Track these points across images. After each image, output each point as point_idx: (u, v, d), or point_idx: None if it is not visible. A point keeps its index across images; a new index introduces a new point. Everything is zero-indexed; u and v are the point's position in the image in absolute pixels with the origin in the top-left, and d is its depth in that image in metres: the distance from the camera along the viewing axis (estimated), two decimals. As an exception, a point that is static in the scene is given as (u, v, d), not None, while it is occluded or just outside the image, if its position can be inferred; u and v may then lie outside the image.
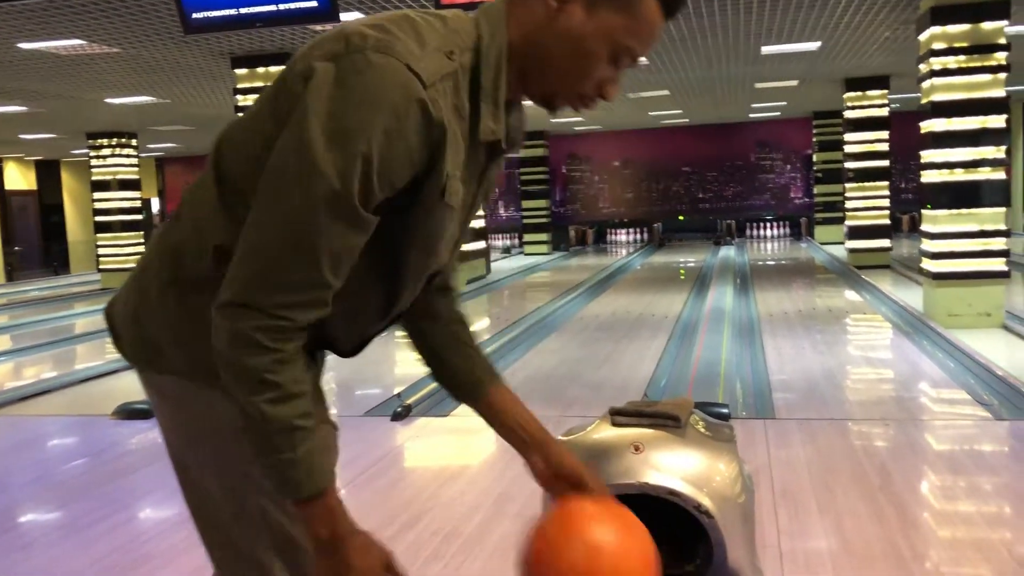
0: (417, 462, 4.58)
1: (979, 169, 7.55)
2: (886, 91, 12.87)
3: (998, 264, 7.53)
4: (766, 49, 9.88)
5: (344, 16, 6.96)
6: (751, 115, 18.73)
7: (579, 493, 1.41)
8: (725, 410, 4.69)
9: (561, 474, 1.44)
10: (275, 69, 8.90)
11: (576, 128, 19.89)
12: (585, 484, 1.41)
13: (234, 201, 1.24)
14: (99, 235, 15.94)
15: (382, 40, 1.16)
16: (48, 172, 22.38)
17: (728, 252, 16.62)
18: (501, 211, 22.41)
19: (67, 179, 22.29)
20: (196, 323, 1.25)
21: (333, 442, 1.40)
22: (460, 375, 1.52)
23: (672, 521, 1.53)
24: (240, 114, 1.47)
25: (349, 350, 1.42)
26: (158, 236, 1.37)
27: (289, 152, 1.15)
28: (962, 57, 7.44)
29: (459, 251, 1.52)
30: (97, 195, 15.85)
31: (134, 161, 16.10)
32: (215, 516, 1.35)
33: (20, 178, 21.78)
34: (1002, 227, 7.61)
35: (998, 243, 7.56)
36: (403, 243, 1.27)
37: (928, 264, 7.83)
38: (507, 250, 20.29)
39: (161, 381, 1.35)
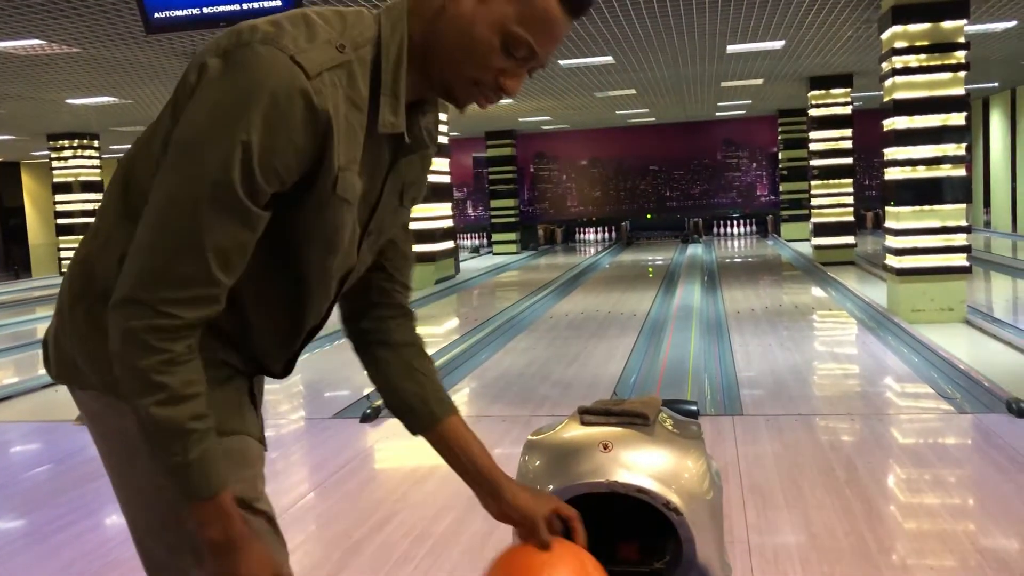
0: (387, 463, 4.56)
1: (940, 166, 7.66)
2: (849, 89, 13.04)
3: (960, 260, 7.65)
4: (731, 48, 9.96)
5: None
6: (717, 113, 18.87)
7: (533, 535, 1.39)
8: (694, 407, 4.68)
9: (513, 518, 1.43)
10: (240, 69, 8.81)
11: (544, 127, 19.93)
12: (538, 527, 1.39)
13: (138, 206, 1.22)
14: (61, 238, 15.71)
15: (269, 33, 1.17)
16: (8, 174, 22.02)
17: (695, 250, 16.73)
18: (469, 211, 22.39)
19: (28, 181, 21.93)
20: (101, 333, 1.23)
21: (255, 457, 1.35)
22: (412, 404, 1.49)
23: (641, 519, 1.54)
24: None
25: (280, 370, 1.40)
26: (76, 251, 1.35)
27: (175, 145, 1.17)
28: (923, 56, 7.54)
29: (404, 263, 1.50)
30: (59, 197, 15.62)
31: (96, 163, 15.89)
32: (140, 528, 1.33)
33: (-21, 180, 21.42)
34: (963, 223, 7.73)
35: (959, 239, 7.67)
36: (300, 241, 1.26)
37: (892, 260, 7.93)
38: (476, 249, 20.28)
39: (83, 397, 1.33)
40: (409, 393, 1.49)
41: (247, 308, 1.29)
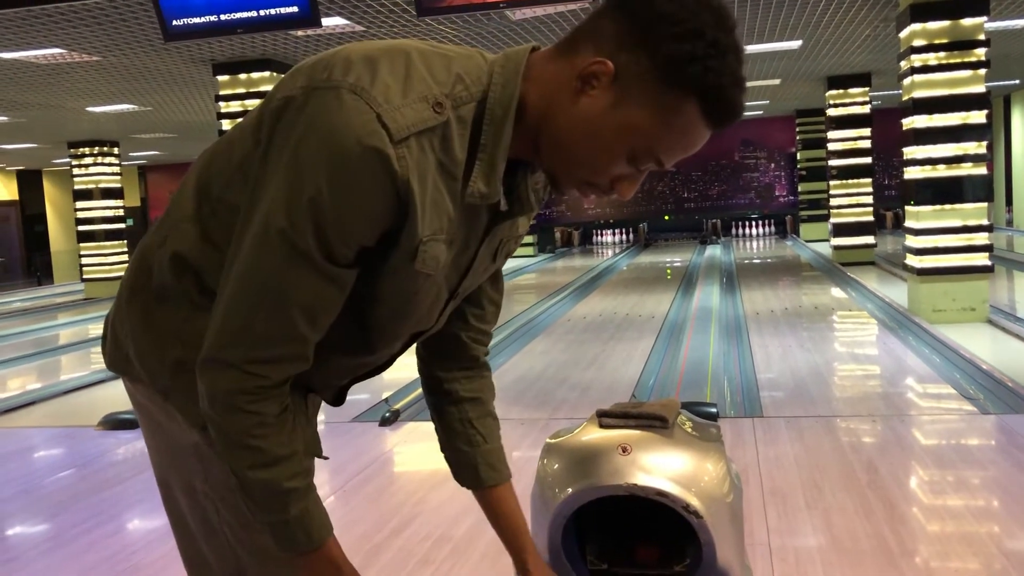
0: (406, 467, 4.57)
1: (961, 165, 7.60)
2: (868, 88, 12.95)
3: (981, 259, 7.58)
4: (748, 48, 9.92)
5: (326, 21, 6.95)
6: (734, 114, 18.78)
7: None
8: (713, 409, 4.70)
9: None
10: (257, 75, 8.87)
11: (560, 130, 19.89)
12: None
13: (209, 212, 1.20)
14: (82, 244, 15.84)
15: (361, 79, 1.07)
16: (30, 182, 22.25)
17: (714, 251, 16.67)
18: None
19: (49, 189, 22.16)
20: (153, 334, 1.23)
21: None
22: (462, 462, 1.51)
23: (660, 522, 1.53)
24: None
25: (330, 399, 1.40)
26: (141, 240, 1.35)
27: (253, 192, 1.12)
28: (942, 54, 7.49)
29: (491, 309, 1.47)
30: (80, 204, 15.76)
31: (116, 169, 16.02)
32: (186, 531, 1.33)
33: (2, 188, 21.66)
34: (985, 222, 7.66)
35: (981, 238, 7.61)
36: (372, 298, 1.20)
37: (912, 260, 7.87)
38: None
39: (132, 389, 1.33)
40: (461, 452, 1.50)
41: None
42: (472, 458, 1.49)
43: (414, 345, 1.45)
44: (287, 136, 1.08)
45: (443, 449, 1.53)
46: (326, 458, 1.42)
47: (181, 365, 1.19)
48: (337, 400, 1.41)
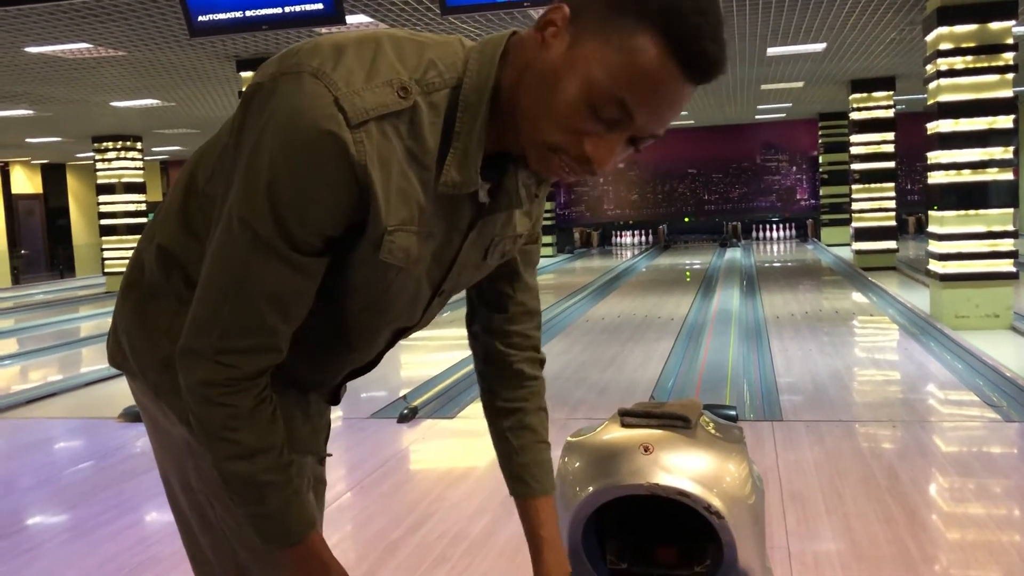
0: (423, 464, 4.57)
1: (987, 170, 7.52)
2: (892, 92, 12.85)
3: (1006, 265, 7.50)
4: (772, 51, 9.87)
5: (350, 19, 6.97)
6: (757, 116, 18.71)
7: None
8: (733, 412, 4.67)
9: None
10: (280, 72, 8.89)
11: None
12: None
13: (196, 207, 1.20)
14: (104, 238, 15.98)
15: (324, 64, 1.04)
16: (54, 176, 22.46)
17: (734, 254, 16.59)
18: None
19: (73, 182, 22.35)
20: (145, 330, 1.24)
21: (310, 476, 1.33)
22: (503, 468, 1.49)
23: (682, 522, 1.52)
24: None
25: (325, 399, 1.38)
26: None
27: (226, 183, 1.11)
28: (969, 58, 7.42)
29: (529, 319, 1.46)
30: (102, 198, 15.89)
31: (139, 164, 16.15)
32: (188, 528, 1.33)
33: (26, 182, 21.86)
34: (1010, 228, 7.58)
35: (1006, 244, 7.53)
36: (344, 290, 1.17)
37: (935, 265, 7.80)
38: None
39: (134, 386, 1.33)
40: (503, 460, 1.49)
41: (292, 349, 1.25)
42: (508, 469, 1.48)
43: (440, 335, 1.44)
44: (255, 123, 1.07)
45: (500, 459, 1.52)
46: (329, 455, 1.43)
47: (169, 361, 1.18)
48: (332, 400, 1.40)
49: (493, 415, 1.48)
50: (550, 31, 1.04)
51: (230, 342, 1.09)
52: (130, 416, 5.23)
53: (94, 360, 8.33)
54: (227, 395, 1.10)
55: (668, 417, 1.54)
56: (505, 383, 1.47)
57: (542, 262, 17.14)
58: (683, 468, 1.46)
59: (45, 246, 22.52)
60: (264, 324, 1.10)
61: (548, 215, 19.25)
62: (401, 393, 5.65)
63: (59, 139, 16.25)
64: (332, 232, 1.08)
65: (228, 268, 1.08)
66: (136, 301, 1.26)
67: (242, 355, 1.10)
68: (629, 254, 18.72)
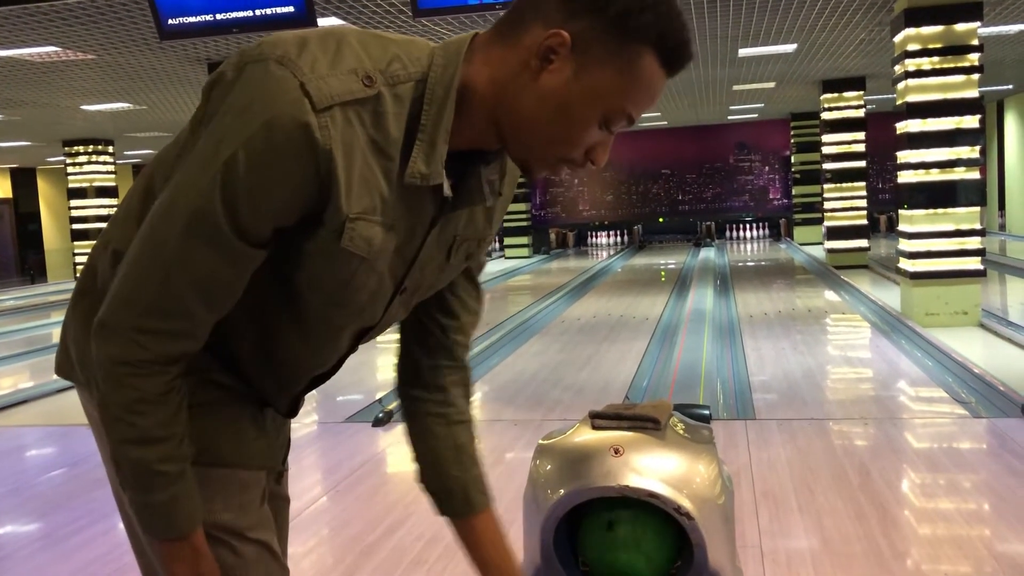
0: (399, 467, 4.57)
1: (954, 169, 7.62)
2: (862, 92, 12.99)
3: (974, 263, 7.61)
4: (743, 52, 9.94)
5: (321, 21, 6.95)
6: (729, 117, 18.84)
7: None
8: (706, 411, 4.69)
9: None
10: (253, 75, 8.85)
11: (555, 131, 19.91)
12: None
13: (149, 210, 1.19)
14: (76, 243, 15.81)
15: (289, 52, 1.05)
16: (24, 180, 22.18)
17: (708, 254, 16.69)
18: (481, 215, 22.41)
19: (43, 187, 22.09)
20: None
21: (251, 483, 1.27)
22: (452, 488, 1.43)
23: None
24: None
25: (284, 410, 1.35)
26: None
27: (178, 167, 1.11)
28: (936, 58, 7.51)
29: (469, 319, 1.41)
30: (74, 203, 15.73)
31: (111, 168, 15.99)
32: (129, 530, 1.33)
33: (-5, 186, 21.59)
34: (977, 226, 7.69)
35: (974, 242, 7.63)
36: (304, 284, 1.16)
37: (905, 264, 7.90)
38: (488, 253, 20.27)
39: (83, 396, 1.32)
40: (452, 478, 1.42)
41: (244, 344, 1.23)
42: (463, 484, 1.42)
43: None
44: (215, 109, 1.08)
45: (427, 478, 1.45)
46: (285, 469, 1.41)
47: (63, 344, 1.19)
48: (291, 411, 1.37)
49: (447, 427, 1.44)
50: (551, 58, 1.08)
51: (150, 322, 1.08)
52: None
53: (66, 366, 8.24)
54: (137, 377, 1.08)
55: (638, 419, 1.56)
56: (442, 395, 1.44)
57: (519, 263, 17.17)
58: (653, 470, 1.48)
59: (15, 251, 22.24)
60: (187, 309, 1.09)
61: (523, 216, 19.29)
62: (376, 396, 5.64)
63: (29, 143, 16.06)
64: (283, 222, 1.08)
65: (161, 247, 1.07)
66: (87, 309, 1.22)
67: (159, 337, 1.08)
68: (604, 254, 18.78)
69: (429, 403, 1.43)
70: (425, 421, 1.43)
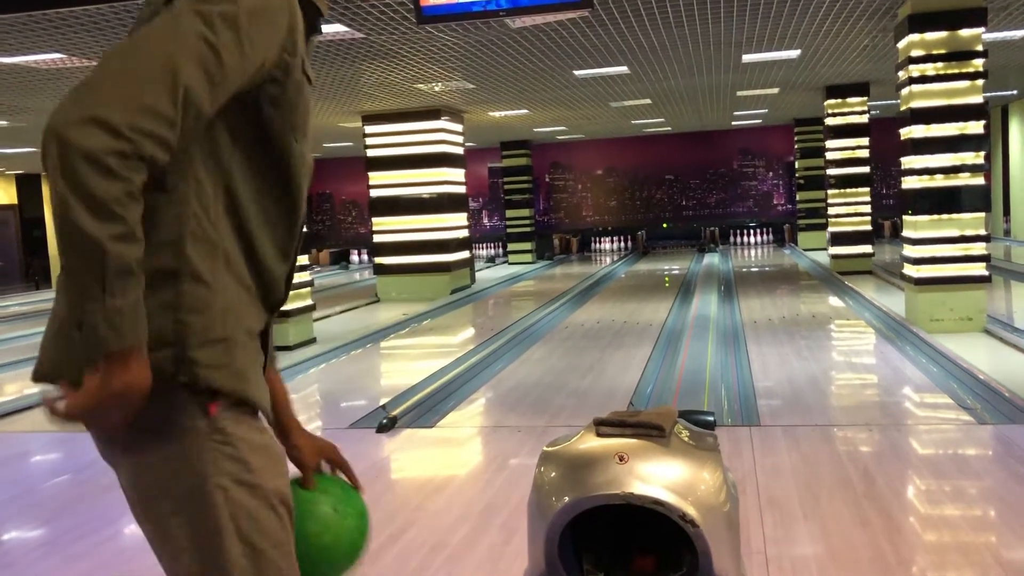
0: (403, 474, 4.57)
1: (959, 175, 7.61)
2: (866, 98, 12.98)
3: (979, 269, 7.59)
4: (747, 57, 9.94)
5: (326, 28, 6.96)
6: (733, 123, 18.84)
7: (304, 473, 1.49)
8: (711, 418, 4.69)
9: (292, 457, 1.48)
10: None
11: (559, 137, 19.94)
12: (306, 470, 1.49)
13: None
14: (81, 249, 15.81)
15: None
16: (29, 186, 22.24)
17: (712, 259, 16.68)
18: (485, 221, 22.42)
19: (48, 193, 22.13)
20: (52, 324, 1.35)
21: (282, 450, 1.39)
22: None
23: (658, 531, 1.53)
24: None
25: (284, 293, 1.41)
26: None
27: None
28: (940, 64, 7.50)
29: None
30: (78, 209, 15.72)
31: (116, 174, 16.00)
32: (163, 538, 1.32)
33: (1, 193, 21.63)
34: (982, 232, 7.67)
35: (978, 248, 7.62)
36: (285, 131, 1.33)
37: (910, 269, 7.88)
38: (491, 259, 20.29)
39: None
40: None
41: (252, 224, 1.32)
42: None
43: None
44: None
45: None
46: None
47: (60, 331, 1.25)
48: (286, 292, 1.44)
49: None
50: None
51: (144, 122, 1.12)
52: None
53: (70, 372, 8.25)
54: (129, 169, 1.11)
55: (643, 426, 1.56)
56: None
57: (522, 269, 17.17)
58: (658, 477, 1.48)
59: (20, 257, 22.28)
60: (171, 113, 1.15)
61: (527, 222, 19.30)
62: (380, 403, 5.64)
63: (34, 149, 16.10)
64: (270, 62, 1.27)
65: (166, 50, 1.16)
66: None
67: (147, 138, 1.13)
68: (608, 260, 18.77)
69: None
70: None
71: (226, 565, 1.23)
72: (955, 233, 7.63)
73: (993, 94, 15.05)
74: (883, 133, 15.42)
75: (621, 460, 1.49)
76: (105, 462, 1.38)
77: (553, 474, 1.57)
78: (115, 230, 1.10)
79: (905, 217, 8.15)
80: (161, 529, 1.28)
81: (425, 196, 12.79)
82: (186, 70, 1.16)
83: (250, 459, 1.25)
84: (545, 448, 1.65)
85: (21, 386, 7.65)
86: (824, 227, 14.51)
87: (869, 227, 13.10)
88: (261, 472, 1.25)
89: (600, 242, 21.44)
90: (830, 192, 13.29)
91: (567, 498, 1.51)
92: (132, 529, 3.73)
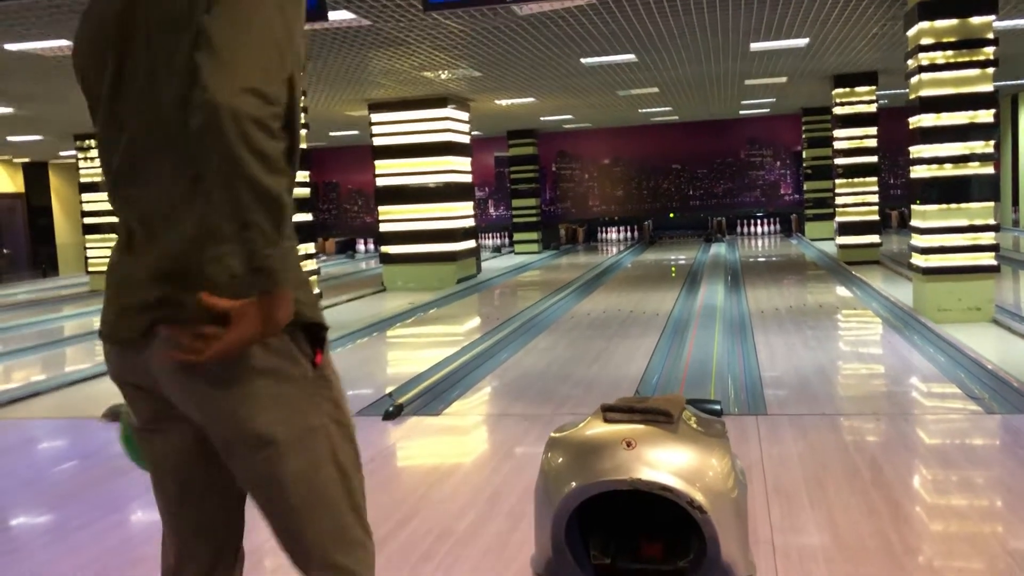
0: (409, 461, 4.57)
1: (968, 164, 7.57)
2: (874, 87, 12.91)
3: (987, 259, 7.56)
4: (755, 46, 9.89)
5: (333, 15, 6.94)
6: (741, 112, 18.76)
7: None
8: (717, 406, 4.66)
9: None
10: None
11: (566, 126, 19.89)
12: None
13: None
14: (88, 237, 15.86)
15: None
16: (36, 174, 22.25)
17: (719, 249, 16.64)
18: (491, 210, 22.39)
19: (55, 181, 22.16)
20: None
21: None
22: None
23: (665, 516, 1.52)
24: None
25: None
26: None
27: None
28: (950, 52, 7.45)
29: None
30: (86, 197, 15.76)
31: (122, 162, 16.01)
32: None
33: (8, 181, 21.66)
34: (991, 222, 7.63)
35: (987, 238, 7.58)
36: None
37: (918, 259, 7.85)
38: (497, 249, 20.28)
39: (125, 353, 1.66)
40: None
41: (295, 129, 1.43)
42: None
43: None
44: None
45: None
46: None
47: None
48: None
49: None
50: None
51: (279, 91, 1.28)
52: (112, 415, 5.20)
53: (77, 360, 8.27)
54: (281, 131, 1.27)
55: (651, 412, 1.55)
56: None
57: (528, 258, 17.15)
58: (665, 463, 1.47)
59: (27, 245, 22.33)
60: (283, 89, 1.31)
61: (533, 211, 19.27)
62: (386, 390, 5.65)
63: (41, 137, 16.12)
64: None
65: (279, 29, 1.30)
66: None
67: (281, 105, 1.29)
68: (615, 250, 18.74)
69: None
70: None
71: (324, 487, 1.50)
72: (964, 223, 7.59)
73: (1003, 83, 14.95)
74: (891, 123, 15.34)
75: (629, 446, 1.49)
76: (141, 389, 1.62)
77: (560, 460, 1.56)
78: (284, 183, 1.28)
79: (914, 207, 8.12)
80: (252, 455, 1.45)
81: (431, 185, 12.78)
82: (284, 42, 1.31)
83: (340, 400, 1.48)
84: (552, 434, 1.64)
85: (29, 373, 7.68)
86: (831, 217, 14.46)
87: (877, 217, 13.05)
88: (345, 409, 1.49)
89: (606, 232, 21.41)
90: (838, 182, 13.24)
91: (574, 484, 1.50)
92: (140, 515, 3.74)
